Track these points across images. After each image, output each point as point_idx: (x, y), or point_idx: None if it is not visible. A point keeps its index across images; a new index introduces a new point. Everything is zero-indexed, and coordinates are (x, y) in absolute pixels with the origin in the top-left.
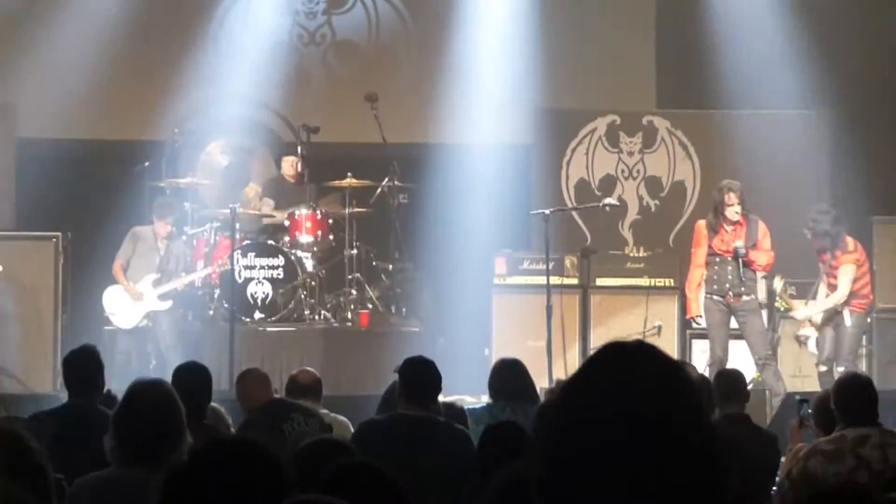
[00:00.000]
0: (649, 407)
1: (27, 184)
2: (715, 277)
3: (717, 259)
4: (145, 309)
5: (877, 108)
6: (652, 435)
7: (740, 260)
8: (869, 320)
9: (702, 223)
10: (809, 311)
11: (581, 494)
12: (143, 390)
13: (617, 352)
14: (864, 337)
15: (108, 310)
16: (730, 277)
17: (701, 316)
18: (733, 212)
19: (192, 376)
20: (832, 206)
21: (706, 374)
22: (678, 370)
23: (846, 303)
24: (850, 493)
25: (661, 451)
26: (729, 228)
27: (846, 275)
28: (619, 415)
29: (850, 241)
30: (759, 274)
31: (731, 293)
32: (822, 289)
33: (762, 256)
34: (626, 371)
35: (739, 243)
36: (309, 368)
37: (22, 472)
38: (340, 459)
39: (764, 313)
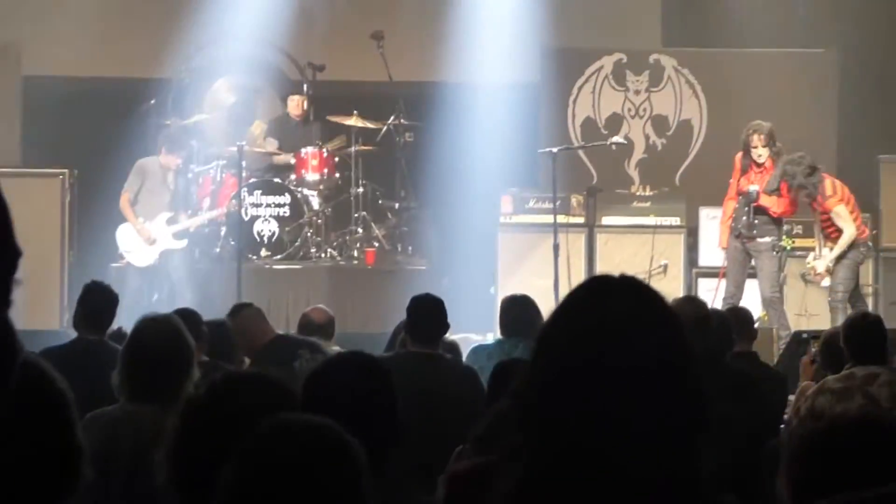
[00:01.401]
0: (627, 343)
1: (33, 122)
2: (735, 216)
3: (740, 198)
4: (161, 247)
5: (885, 47)
6: (630, 372)
7: (751, 204)
8: (863, 250)
9: (739, 156)
10: (827, 261)
11: (562, 426)
12: (151, 326)
13: (598, 286)
14: (871, 276)
15: (122, 247)
16: (743, 219)
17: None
18: (757, 154)
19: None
20: (802, 156)
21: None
22: (658, 307)
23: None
24: (870, 422)
25: (639, 387)
26: (757, 170)
27: (841, 216)
28: (599, 350)
29: (828, 185)
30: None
31: (743, 234)
32: (820, 241)
33: (780, 204)
34: (607, 306)
35: (754, 188)
36: (321, 306)
37: (45, 405)
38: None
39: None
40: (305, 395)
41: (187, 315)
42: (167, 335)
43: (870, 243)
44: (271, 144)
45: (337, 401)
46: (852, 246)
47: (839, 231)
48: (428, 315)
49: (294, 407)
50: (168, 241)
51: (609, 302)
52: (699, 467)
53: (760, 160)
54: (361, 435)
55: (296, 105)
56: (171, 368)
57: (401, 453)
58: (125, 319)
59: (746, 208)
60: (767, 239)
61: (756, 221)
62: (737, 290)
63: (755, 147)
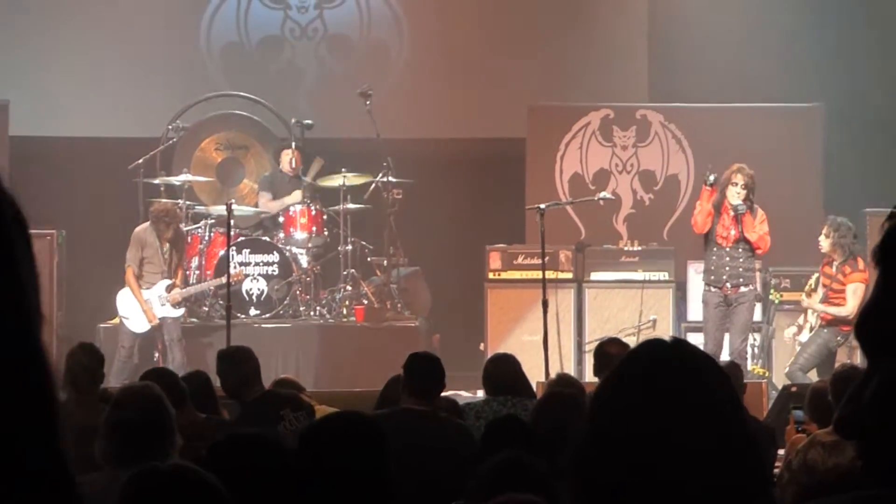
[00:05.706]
0: (696, 396)
1: (21, 182)
2: (713, 268)
3: (716, 249)
4: (158, 315)
5: (869, 100)
6: (697, 423)
7: (740, 215)
8: (839, 339)
9: (710, 192)
10: (815, 305)
11: (626, 483)
12: (130, 394)
13: (659, 343)
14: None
15: (122, 313)
16: (727, 269)
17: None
18: (734, 193)
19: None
20: (849, 228)
21: None
22: (716, 364)
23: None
24: None
25: (706, 439)
26: (731, 212)
27: (856, 293)
28: (667, 401)
29: (861, 261)
30: (758, 264)
31: (727, 284)
32: (819, 293)
33: (756, 233)
34: (671, 361)
35: (738, 202)
36: (287, 376)
37: None
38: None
39: (758, 307)
40: (300, 452)
41: (162, 377)
42: (146, 403)
43: (847, 337)
44: (264, 197)
45: (330, 460)
46: (831, 326)
47: (840, 305)
48: (425, 372)
49: (288, 466)
50: (167, 309)
51: (672, 357)
52: None
53: (736, 199)
54: (354, 495)
55: (288, 161)
56: (152, 436)
57: None
58: (115, 379)
59: (727, 257)
60: (751, 287)
61: (743, 269)
62: (716, 347)
63: (735, 184)
